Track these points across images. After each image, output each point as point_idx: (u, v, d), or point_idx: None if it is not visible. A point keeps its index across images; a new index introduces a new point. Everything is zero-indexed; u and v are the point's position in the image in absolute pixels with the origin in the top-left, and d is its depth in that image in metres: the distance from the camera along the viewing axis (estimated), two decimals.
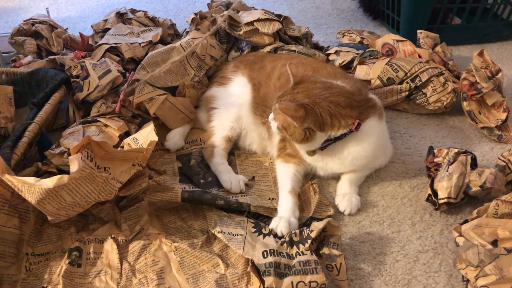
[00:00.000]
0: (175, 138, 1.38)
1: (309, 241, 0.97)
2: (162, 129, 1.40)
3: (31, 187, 0.90)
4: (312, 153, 1.17)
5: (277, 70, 1.36)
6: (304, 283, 0.91)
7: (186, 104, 1.41)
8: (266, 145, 1.36)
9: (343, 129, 1.11)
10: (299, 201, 1.19)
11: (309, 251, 0.96)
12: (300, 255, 0.96)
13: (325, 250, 0.96)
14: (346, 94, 1.13)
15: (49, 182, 0.89)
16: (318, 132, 1.10)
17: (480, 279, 0.90)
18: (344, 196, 1.17)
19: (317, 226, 0.98)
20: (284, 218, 1.07)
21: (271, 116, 1.16)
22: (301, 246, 0.98)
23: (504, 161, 1.19)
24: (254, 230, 1.08)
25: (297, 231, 1.00)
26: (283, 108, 1.07)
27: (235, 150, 1.39)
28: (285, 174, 1.20)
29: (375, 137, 1.16)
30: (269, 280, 0.91)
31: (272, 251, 0.97)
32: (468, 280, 0.93)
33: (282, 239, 1.01)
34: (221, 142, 1.34)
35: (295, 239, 0.99)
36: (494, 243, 0.96)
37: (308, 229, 0.99)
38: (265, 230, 1.07)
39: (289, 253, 0.98)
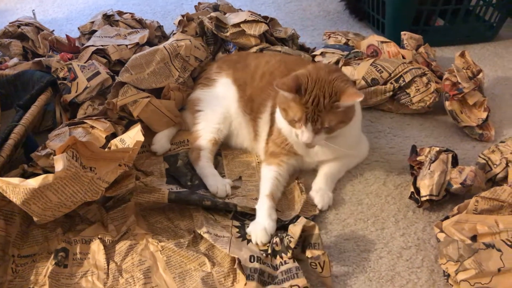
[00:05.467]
0: (162, 141, 1.38)
1: (290, 251, 0.99)
2: (150, 131, 1.40)
3: (16, 188, 0.90)
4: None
5: (261, 68, 1.38)
6: None
7: (170, 107, 1.41)
8: (253, 147, 1.38)
9: None
10: (286, 199, 1.21)
11: (291, 260, 0.98)
12: (283, 264, 0.98)
13: (308, 253, 0.97)
14: None
15: (34, 182, 0.89)
16: None
17: (460, 274, 0.92)
18: (318, 192, 1.19)
19: (294, 233, 0.99)
20: (260, 224, 1.08)
21: None
22: (283, 255, 0.99)
23: (484, 159, 1.21)
24: (238, 235, 1.09)
25: (278, 239, 1.01)
26: None
27: (222, 151, 1.40)
28: (266, 178, 1.20)
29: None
30: (251, 284, 0.93)
31: (258, 258, 0.99)
32: (448, 275, 0.95)
33: (266, 252, 1.02)
34: (207, 145, 1.33)
35: (277, 248, 1.01)
36: (474, 238, 0.98)
37: (289, 236, 1.00)
38: (249, 236, 1.09)
39: (273, 264, 0.99)
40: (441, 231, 1.02)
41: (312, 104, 1.09)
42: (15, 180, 0.90)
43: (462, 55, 1.55)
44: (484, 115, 1.42)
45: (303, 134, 1.12)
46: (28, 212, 0.94)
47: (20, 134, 1.21)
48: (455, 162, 1.19)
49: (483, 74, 1.52)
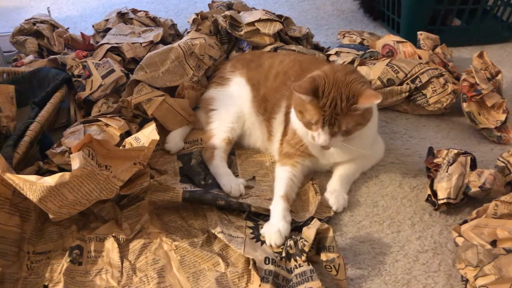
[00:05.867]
0: (175, 139, 1.38)
1: (304, 255, 0.98)
2: (164, 129, 1.40)
3: (33, 185, 0.90)
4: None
5: (275, 67, 1.37)
6: None
7: (184, 106, 1.41)
8: (267, 147, 1.37)
9: None
10: (300, 201, 1.20)
11: (305, 263, 0.97)
12: (297, 267, 0.97)
13: (323, 257, 0.96)
14: None
15: (51, 180, 0.89)
16: None
17: (479, 279, 0.90)
18: (333, 193, 1.18)
19: (308, 236, 0.98)
20: (274, 226, 1.07)
21: None
22: (298, 258, 0.98)
23: (503, 162, 1.19)
24: (252, 236, 1.09)
25: (292, 242, 1.00)
26: None
27: (236, 150, 1.39)
28: (281, 179, 1.19)
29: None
30: (266, 286, 0.93)
31: (273, 260, 0.98)
32: (467, 280, 0.94)
33: (281, 255, 1.01)
34: (221, 144, 1.33)
35: (291, 252, 1.00)
36: (493, 243, 0.96)
37: (303, 239, 0.99)
38: (263, 237, 1.08)
39: (287, 267, 0.98)
40: (460, 235, 1.00)
41: (330, 107, 1.07)
42: (32, 178, 0.91)
43: (480, 55, 1.52)
44: (502, 117, 1.39)
45: (319, 136, 1.11)
46: (44, 210, 0.94)
47: (35, 131, 1.22)
48: (473, 165, 1.17)
49: (502, 75, 1.49)
